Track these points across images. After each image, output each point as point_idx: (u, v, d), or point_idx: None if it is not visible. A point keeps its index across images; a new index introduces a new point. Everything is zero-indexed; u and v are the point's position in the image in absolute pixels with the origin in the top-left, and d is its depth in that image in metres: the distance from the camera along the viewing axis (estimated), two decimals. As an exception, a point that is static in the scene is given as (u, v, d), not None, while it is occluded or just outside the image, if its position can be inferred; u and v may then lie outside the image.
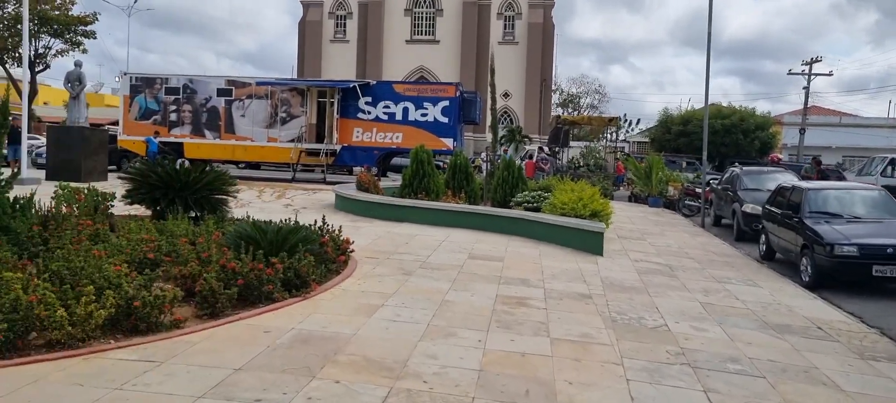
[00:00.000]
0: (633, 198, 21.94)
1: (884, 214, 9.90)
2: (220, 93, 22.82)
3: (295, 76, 41.60)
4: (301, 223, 8.55)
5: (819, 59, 41.18)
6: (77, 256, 5.57)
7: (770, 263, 10.93)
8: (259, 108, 22.72)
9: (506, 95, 44.25)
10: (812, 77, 41.20)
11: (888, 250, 8.50)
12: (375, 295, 6.46)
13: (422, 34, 47.83)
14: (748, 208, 13.77)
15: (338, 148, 22.40)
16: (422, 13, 47.87)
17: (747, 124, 35.61)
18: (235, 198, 10.65)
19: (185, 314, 5.29)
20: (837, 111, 53.56)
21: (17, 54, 34.90)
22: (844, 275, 8.86)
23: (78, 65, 17.89)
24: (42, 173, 17.57)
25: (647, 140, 43.92)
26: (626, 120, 31.85)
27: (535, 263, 9.03)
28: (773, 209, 11.40)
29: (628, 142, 43.73)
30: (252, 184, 19.64)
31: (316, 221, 8.57)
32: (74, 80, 17.26)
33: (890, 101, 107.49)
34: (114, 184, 11.59)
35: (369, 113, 22.42)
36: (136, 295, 4.70)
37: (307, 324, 5.28)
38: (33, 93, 37.77)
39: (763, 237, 11.69)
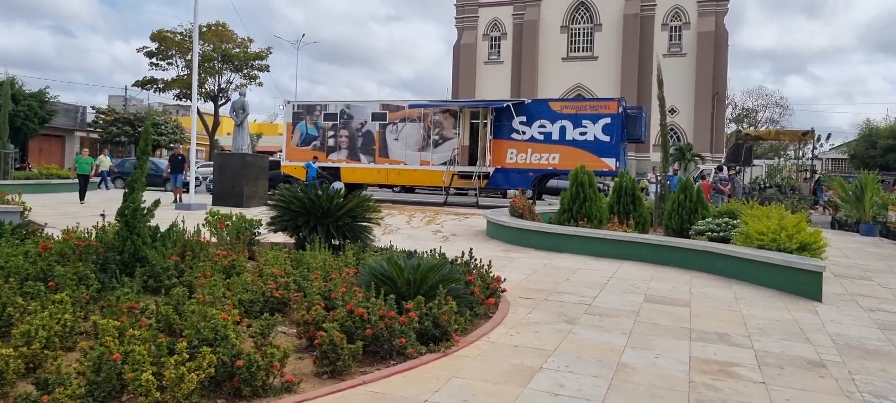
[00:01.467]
0: (837, 225, 18.52)
1: None
2: (375, 117, 22.98)
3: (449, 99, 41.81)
4: (447, 254, 7.55)
5: None
6: (203, 290, 4.96)
7: None
8: (412, 131, 22.52)
9: (672, 111, 40.92)
10: None
11: None
12: (531, 353, 5.17)
13: (579, 50, 46.05)
14: None
15: (491, 170, 21.49)
16: (579, 29, 46.13)
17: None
18: (380, 224, 9.96)
19: (305, 369, 4.40)
20: None
21: (203, 89, 38.56)
22: None
23: (242, 94, 18.76)
24: (210, 198, 18.52)
25: (844, 156, 38.19)
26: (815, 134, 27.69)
27: (731, 310, 7.19)
28: None
29: (820, 158, 38.27)
30: (403, 208, 19.29)
31: (463, 254, 7.49)
32: (238, 109, 18.06)
33: None
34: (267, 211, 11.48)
35: (524, 133, 21.28)
36: (241, 352, 3.86)
37: (443, 396, 4.13)
38: (216, 124, 41.57)
39: None
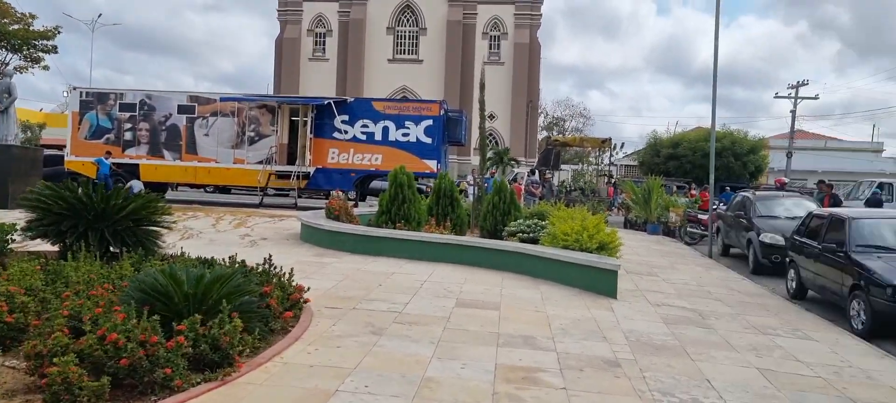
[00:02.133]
0: (629, 224, 20.37)
1: (944, 248, 8.32)
2: (182, 110, 20.94)
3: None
4: (250, 261, 6.78)
5: (805, 82, 40.40)
6: None
7: (804, 303, 9.35)
8: (225, 127, 20.85)
9: (491, 117, 42.75)
10: (798, 100, 40.41)
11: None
12: (328, 373, 4.66)
13: (405, 53, 46.39)
14: (767, 238, 12.21)
15: (311, 170, 20.58)
16: (405, 32, 46.48)
17: (739, 148, 34.54)
18: (172, 228, 8.83)
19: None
20: (821, 135, 52.90)
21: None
22: (909, 323, 7.26)
23: (8, 75, 15.91)
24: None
25: (635, 163, 42.68)
26: (612, 143, 30.53)
27: (537, 311, 7.29)
28: (805, 241, 9.82)
29: (615, 164, 42.42)
30: (212, 209, 17.75)
31: (265, 260, 6.78)
32: (3, 92, 15.25)
33: (874, 126, 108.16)
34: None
35: (346, 132, 20.67)
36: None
37: (216, 433, 3.48)
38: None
39: (792, 272, 10.10)
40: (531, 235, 11.05)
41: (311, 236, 11.99)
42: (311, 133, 20.65)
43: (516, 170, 24.73)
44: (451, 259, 10.38)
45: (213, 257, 7.07)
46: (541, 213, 12.37)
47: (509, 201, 12.45)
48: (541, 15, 46.14)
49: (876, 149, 50.08)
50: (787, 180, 22.01)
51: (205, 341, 4.31)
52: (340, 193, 15.24)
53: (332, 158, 20.69)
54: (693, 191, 24.61)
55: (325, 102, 20.95)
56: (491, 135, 43.25)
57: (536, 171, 23.87)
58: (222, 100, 21.15)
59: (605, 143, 25.88)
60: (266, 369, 4.58)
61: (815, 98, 41.68)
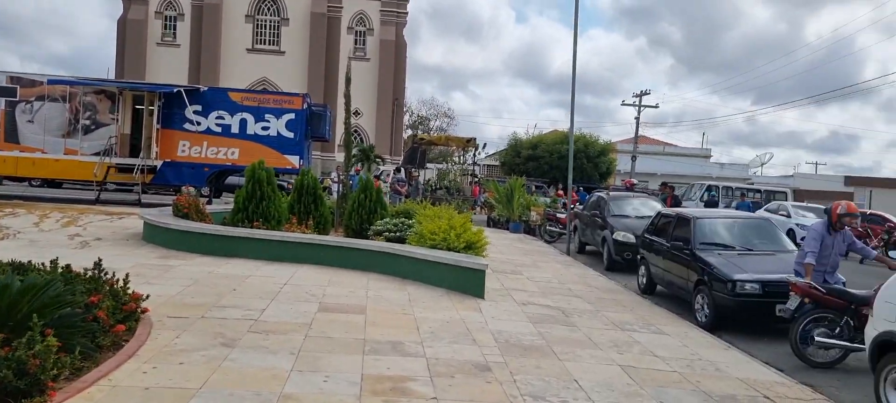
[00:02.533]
0: (492, 223, 20.80)
1: (772, 245, 9.17)
2: (1, 92, 18.29)
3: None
4: (78, 266, 5.84)
5: (648, 92, 43.95)
6: None
7: (654, 298, 9.92)
8: (53, 113, 18.47)
9: (357, 113, 42.06)
10: (642, 108, 43.94)
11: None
12: (167, 396, 4.04)
13: (266, 43, 44.30)
14: (620, 236, 12.92)
15: (158, 164, 18.83)
16: (265, 21, 44.38)
17: (591, 150, 36.77)
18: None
19: None
20: (661, 140, 57.99)
21: None
22: (745, 315, 7.89)
23: None
24: None
25: (496, 163, 44.02)
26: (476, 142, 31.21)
27: (405, 314, 7.01)
28: (654, 239, 10.43)
29: (478, 164, 43.59)
30: (37, 206, 15.62)
31: (95, 265, 5.87)
32: None
33: (704, 134, 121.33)
34: None
35: (199, 124, 19.13)
36: None
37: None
38: None
39: (643, 269, 10.70)
40: (398, 234, 10.77)
41: (156, 236, 10.84)
42: (158, 123, 18.89)
43: (382, 168, 24.42)
44: (314, 260, 9.82)
45: (30, 261, 6.02)
46: (407, 212, 12.14)
47: (375, 200, 12.09)
48: (407, 13, 46.17)
49: (705, 154, 55.74)
50: (636, 181, 23.64)
51: (7, 366, 3.52)
52: (191, 189, 14.01)
53: (183, 151, 19.07)
54: (560, 191, 25.69)
55: (175, 90, 19.27)
56: (356, 131, 42.53)
57: (402, 169, 23.70)
58: (50, 82, 18.72)
59: (469, 143, 26.33)
60: (88, 395, 3.86)
61: (656, 107, 45.54)
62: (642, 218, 13.51)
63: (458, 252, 9.18)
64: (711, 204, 20.52)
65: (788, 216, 20.29)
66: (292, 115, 19.74)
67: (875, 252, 7.49)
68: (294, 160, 19.51)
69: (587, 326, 7.23)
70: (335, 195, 16.25)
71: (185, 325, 5.74)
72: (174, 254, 9.80)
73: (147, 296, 5.71)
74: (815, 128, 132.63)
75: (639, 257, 11.08)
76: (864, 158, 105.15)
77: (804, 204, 24.57)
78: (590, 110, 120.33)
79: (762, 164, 52.71)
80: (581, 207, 17.04)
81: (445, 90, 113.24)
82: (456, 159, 35.22)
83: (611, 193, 15.45)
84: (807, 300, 6.59)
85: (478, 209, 25.98)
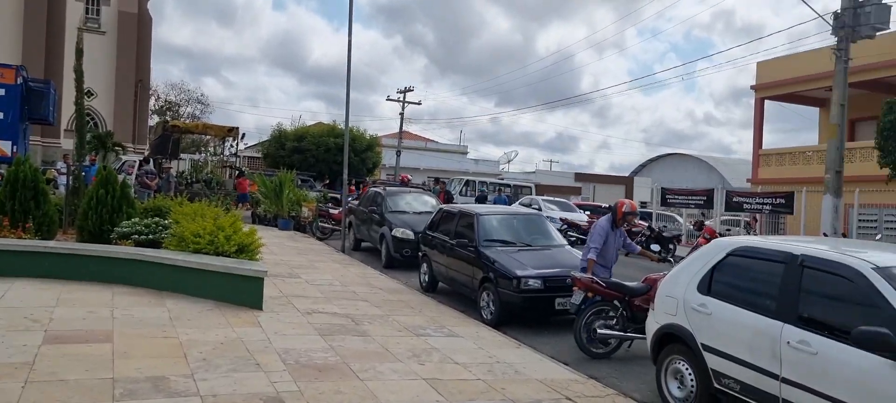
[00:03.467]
0: (258, 219, 19.26)
1: (547, 240, 9.60)
2: None
3: None
4: None
5: (411, 88, 45.37)
6: None
7: (437, 295, 9.83)
8: None
9: (90, 94, 36.25)
10: (406, 105, 45.23)
11: (567, 280, 7.90)
12: None
13: (-38, 2, 35.94)
14: (399, 232, 12.69)
15: None
16: (-39, -26, 36.01)
17: (358, 144, 36.61)
18: None
19: None
20: (423, 137, 60.48)
21: None
22: (530, 311, 8.09)
23: None
24: None
25: (258, 155, 41.52)
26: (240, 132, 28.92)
27: (168, 338, 5.74)
28: (437, 235, 10.34)
29: (239, 155, 40.71)
30: None
31: None
32: None
33: (461, 131, 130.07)
34: None
35: None
36: None
37: None
38: None
39: (425, 266, 10.56)
40: (151, 237, 9.08)
41: None
42: None
43: (124, 158, 21.18)
44: (36, 272, 7.79)
45: None
46: (159, 210, 10.43)
47: (120, 195, 10.10)
48: (152, -16, 41.19)
49: (462, 150, 59.43)
50: (410, 177, 23.86)
51: None
52: None
53: None
54: (352, 188, 24.73)
55: None
56: (90, 114, 36.69)
57: (151, 160, 20.82)
58: None
59: (231, 132, 24.18)
60: None
61: (419, 104, 47.21)
62: (420, 214, 13.47)
63: (230, 257, 7.98)
64: (482, 199, 21.59)
65: (540, 209, 22.23)
66: (2, 92, 16.05)
67: (639, 247, 8.19)
68: (5, 146, 15.88)
69: (381, 335, 6.70)
70: (62, 189, 13.45)
71: None
72: None
73: None
74: (545, 128, 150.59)
75: (420, 254, 10.92)
76: (582, 157, 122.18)
77: (550, 197, 27.32)
78: (351, 104, 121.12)
79: (509, 161, 57.98)
80: (356, 202, 16.51)
81: (195, 74, 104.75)
82: (212, 150, 32.29)
83: (388, 189, 15.20)
84: (590, 294, 6.87)
85: (241, 206, 24.04)
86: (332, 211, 17.71)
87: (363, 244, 15.17)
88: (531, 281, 7.91)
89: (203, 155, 33.63)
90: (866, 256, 4.15)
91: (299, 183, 26.37)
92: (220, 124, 27.54)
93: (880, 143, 10.42)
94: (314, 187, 27.45)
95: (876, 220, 17.72)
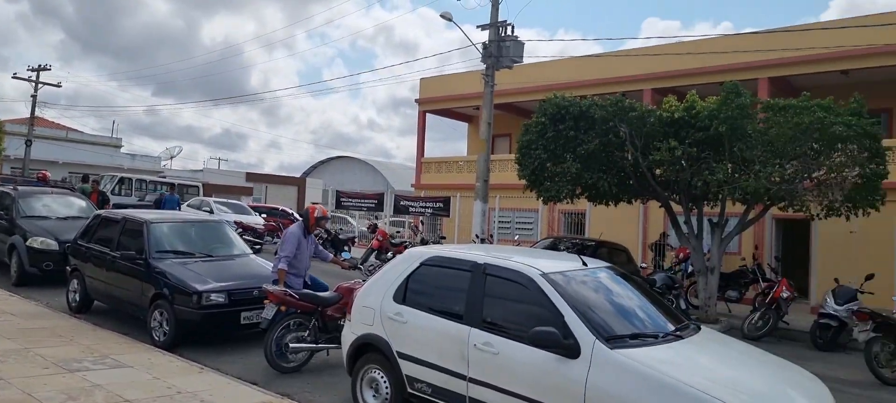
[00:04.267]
0: None
1: (228, 249, 8.93)
2: None
3: None
4: None
5: (48, 67, 38.39)
6: None
7: (92, 317, 8.43)
8: None
9: None
10: (40, 85, 37.99)
11: (254, 292, 7.49)
12: None
13: None
14: (37, 243, 10.48)
15: None
16: None
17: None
18: None
19: None
20: (63, 125, 51.37)
21: None
22: (211, 327, 7.43)
23: None
24: None
25: None
26: None
27: None
28: (93, 246, 8.81)
29: None
30: None
31: None
32: None
33: (114, 122, 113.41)
34: None
35: None
36: None
37: None
38: None
39: (75, 283, 8.97)
40: None
41: None
42: None
43: None
44: None
45: None
46: None
47: None
48: None
49: (116, 143, 52.20)
50: (49, 173, 19.80)
51: None
52: None
53: None
54: None
55: None
56: None
57: None
58: None
59: None
60: None
61: (59, 85, 39.87)
62: (66, 219, 11.40)
63: None
64: (160, 204, 19.15)
65: (212, 212, 20.78)
66: None
67: (331, 255, 8.13)
68: None
69: (21, 376, 5.36)
70: None
71: None
72: None
73: None
74: (211, 124, 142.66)
75: (68, 268, 9.20)
76: (251, 155, 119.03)
77: (221, 198, 25.81)
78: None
79: (172, 157, 53.12)
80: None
81: None
82: None
83: (20, 189, 12.37)
84: (282, 307, 6.58)
85: None
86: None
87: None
88: (214, 296, 7.26)
89: None
90: (536, 264, 4.79)
91: None
92: None
93: (519, 159, 12.39)
94: None
95: (510, 222, 21.09)
